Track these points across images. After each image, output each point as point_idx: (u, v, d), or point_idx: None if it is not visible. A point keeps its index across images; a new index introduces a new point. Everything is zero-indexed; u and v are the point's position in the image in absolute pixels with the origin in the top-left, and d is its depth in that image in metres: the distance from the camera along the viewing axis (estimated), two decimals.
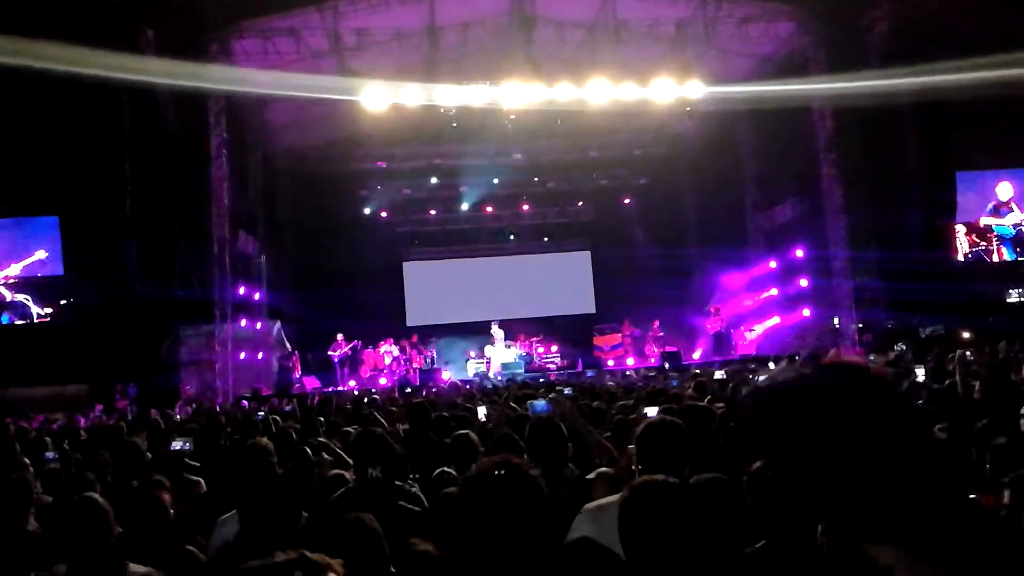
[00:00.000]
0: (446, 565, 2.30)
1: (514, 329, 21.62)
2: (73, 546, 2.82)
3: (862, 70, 15.00)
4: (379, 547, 2.11)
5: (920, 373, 6.01)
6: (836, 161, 17.43)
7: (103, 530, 2.96)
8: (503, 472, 2.31)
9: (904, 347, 14.20)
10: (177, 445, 5.16)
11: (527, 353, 21.06)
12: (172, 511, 3.89)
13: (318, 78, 15.52)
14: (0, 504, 3.43)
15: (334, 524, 2.04)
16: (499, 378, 17.79)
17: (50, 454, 5.34)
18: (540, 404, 4.62)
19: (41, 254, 17.73)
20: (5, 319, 17.73)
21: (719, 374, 8.43)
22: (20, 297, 17.81)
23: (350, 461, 5.23)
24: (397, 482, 3.64)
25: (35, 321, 17.83)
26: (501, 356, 20.32)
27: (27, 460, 4.93)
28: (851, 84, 14.93)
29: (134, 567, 2.90)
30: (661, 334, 20.88)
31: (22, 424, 8.40)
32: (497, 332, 20.65)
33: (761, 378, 6.70)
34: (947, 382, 6.09)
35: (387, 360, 20.49)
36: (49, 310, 17.94)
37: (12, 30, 11.68)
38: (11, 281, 17.79)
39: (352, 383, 18.96)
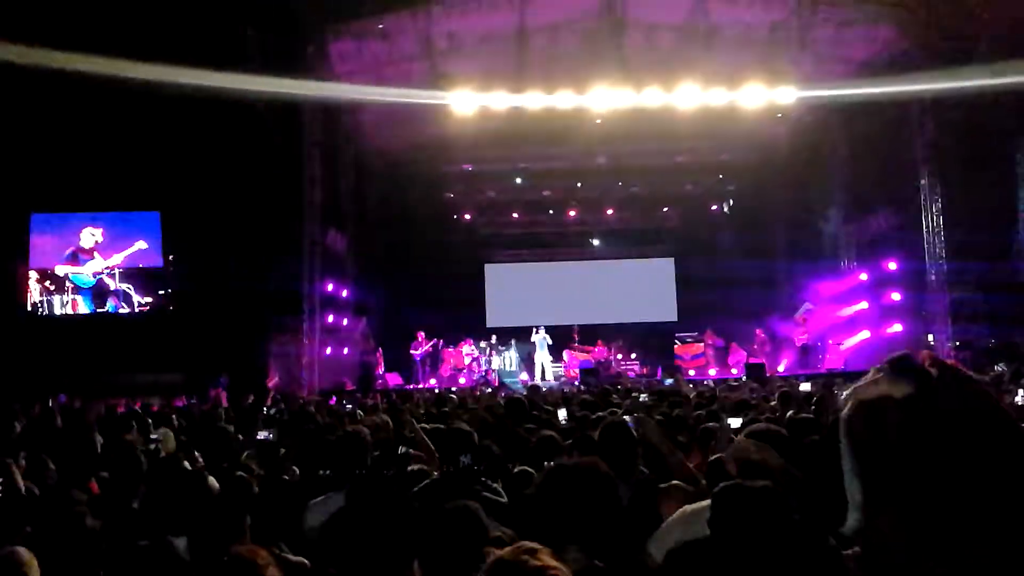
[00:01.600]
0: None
1: (594, 334, 21.56)
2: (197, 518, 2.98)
3: (966, 76, 14.36)
4: (483, 535, 2.17)
5: (1021, 395, 5.72)
6: (935, 170, 16.76)
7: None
8: (583, 470, 2.37)
9: (1004, 368, 13.50)
10: (263, 435, 5.38)
11: (605, 359, 20.95)
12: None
13: (409, 79, 15.84)
14: (115, 479, 3.65)
15: (439, 511, 2.11)
16: (575, 384, 17.80)
17: (154, 434, 5.64)
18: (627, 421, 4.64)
19: (142, 244, 18.66)
20: (111, 307, 18.73)
21: (805, 387, 8.22)
22: (123, 286, 18.79)
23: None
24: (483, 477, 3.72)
25: (136, 310, 18.77)
26: (543, 360, 20.41)
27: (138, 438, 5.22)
28: (953, 84, 14.28)
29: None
30: (756, 346, 20.45)
31: (133, 408, 8.87)
32: (538, 338, 20.61)
33: (846, 393, 6.50)
34: None
35: (467, 360, 20.74)
36: (149, 299, 18.87)
37: (116, 36, 12.41)
38: (116, 271, 18.78)
39: (432, 381, 19.26)
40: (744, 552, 2.18)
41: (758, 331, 20.68)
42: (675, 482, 3.83)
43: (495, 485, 3.84)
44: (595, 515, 2.20)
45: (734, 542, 2.20)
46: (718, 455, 3.92)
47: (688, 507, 3.16)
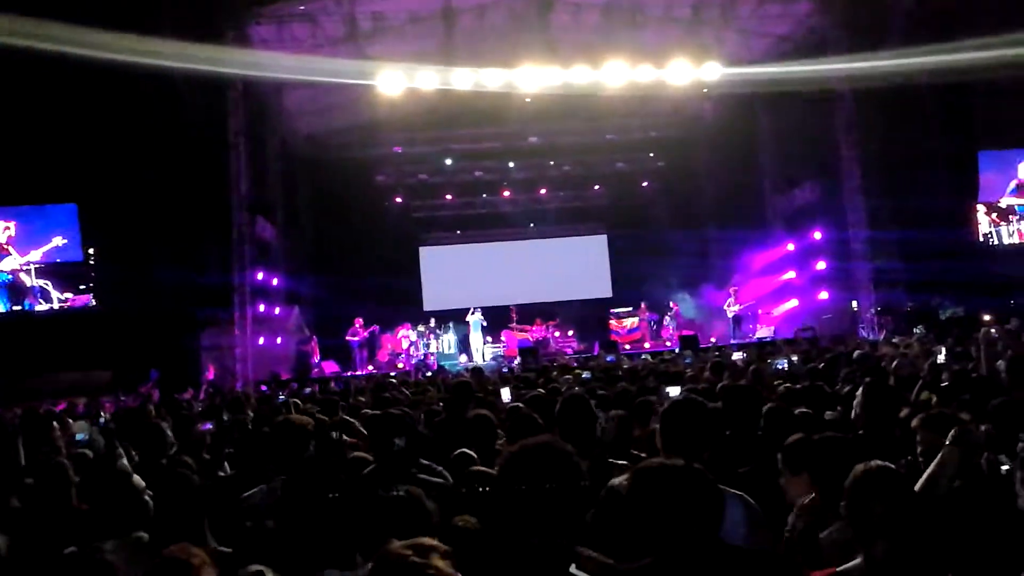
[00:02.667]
0: (488, 540, 2.32)
1: (531, 313, 21.66)
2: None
3: (883, 49, 14.80)
4: (428, 523, 2.13)
5: (942, 354, 5.97)
6: (856, 142, 17.27)
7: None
8: (547, 451, 2.34)
9: (923, 330, 14.09)
10: (200, 428, 5.26)
11: (543, 337, 21.08)
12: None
13: (335, 62, 15.52)
14: (42, 486, 3.50)
15: (382, 499, 2.06)
16: (516, 363, 17.88)
17: (81, 435, 5.43)
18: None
19: (59, 240, 17.89)
20: (27, 305, 17.95)
21: (737, 355, 8.41)
22: (40, 282, 18.02)
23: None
24: (423, 460, 3.69)
25: (56, 307, 18.04)
26: (477, 341, 20.57)
27: (60, 441, 5.02)
28: (871, 64, 14.73)
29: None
30: (680, 318, 20.86)
31: (49, 408, 8.53)
32: (473, 320, 20.64)
33: (781, 362, 6.79)
34: (971, 365, 6.07)
35: (404, 344, 20.62)
36: (69, 295, 18.15)
37: (27, 11, 11.73)
38: (33, 267, 17.99)
39: (370, 368, 19.09)
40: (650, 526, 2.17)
41: (674, 305, 21.13)
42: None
43: (439, 468, 3.81)
44: (563, 495, 2.19)
45: (643, 516, 2.19)
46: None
47: (614, 480, 3.19)
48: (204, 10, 14.86)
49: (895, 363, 5.57)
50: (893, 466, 2.51)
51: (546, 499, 2.13)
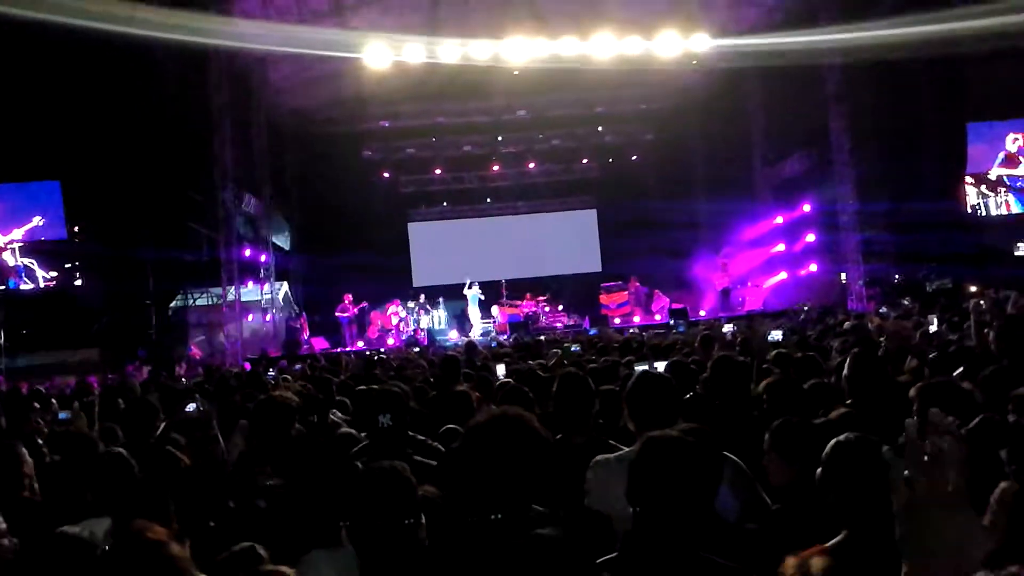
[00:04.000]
0: (448, 509, 2.30)
1: (521, 288, 21.62)
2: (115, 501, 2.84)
3: (873, 20, 14.67)
4: (412, 496, 2.09)
5: (933, 324, 5.96)
6: (845, 113, 17.20)
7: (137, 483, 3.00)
8: (502, 422, 2.32)
9: (911, 301, 14.15)
10: (190, 407, 5.17)
11: (533, 312, 21.06)
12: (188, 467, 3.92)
13: (320, 32, 15.29)
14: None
15: (364, 473, 2.02)
16: (505, 337, 17.88)
17: (63, 414, 5.37)
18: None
19: (38, 220, 17.66)
20: (12, 284, 17.76)
21: (727, 328, 8.40)
22: (25, 261, 17.82)
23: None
24: (411, 433, 3.65)
25: (41, 286, 17.87)
26: (474, 315, 20.51)
27: (41, 421, 4.95)
28: (861, 34, 14.61)
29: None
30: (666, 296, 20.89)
31: (37, 388, 8.44)
32: (470, 294, 20.61)
33: (774, 334, 6.76)
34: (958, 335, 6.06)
35: (394, 321, 20.57)
36: (55, 274, 17.97)
37: None
38: (16, 246, 17.77)
39: (360, 344, 19.05)
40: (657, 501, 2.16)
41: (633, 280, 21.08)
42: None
43: (435, 444, 3.78)
44: (519, 469, 2.16)
45: (650, 490, 2.18)
46: None
47: (599, 457, 3.16)
48: None
49: (886, 334, 5.56)
50: (874, 438, 2.48)
51: (502, 470, 2.10)
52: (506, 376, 6.63)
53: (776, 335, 6.31)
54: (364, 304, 19.93)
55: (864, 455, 2.39)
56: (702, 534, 2.13)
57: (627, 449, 3.10)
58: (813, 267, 19.16)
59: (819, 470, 2.42)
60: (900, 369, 4.88)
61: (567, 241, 23.77)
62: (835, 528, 2.32)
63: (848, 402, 4.02)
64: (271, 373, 8.81)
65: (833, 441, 2.44)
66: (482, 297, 20.83)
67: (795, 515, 2.71)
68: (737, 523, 2.85)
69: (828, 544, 2.28)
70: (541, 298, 21.67)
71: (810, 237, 19.15)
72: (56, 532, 2.28)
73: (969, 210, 18.19)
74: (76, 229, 17.73)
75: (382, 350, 15.59)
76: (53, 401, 6.14)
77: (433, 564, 2.10)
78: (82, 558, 2.23)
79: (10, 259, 17.73)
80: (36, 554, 2.23)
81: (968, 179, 18.15)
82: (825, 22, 16.20)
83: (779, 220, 20.23)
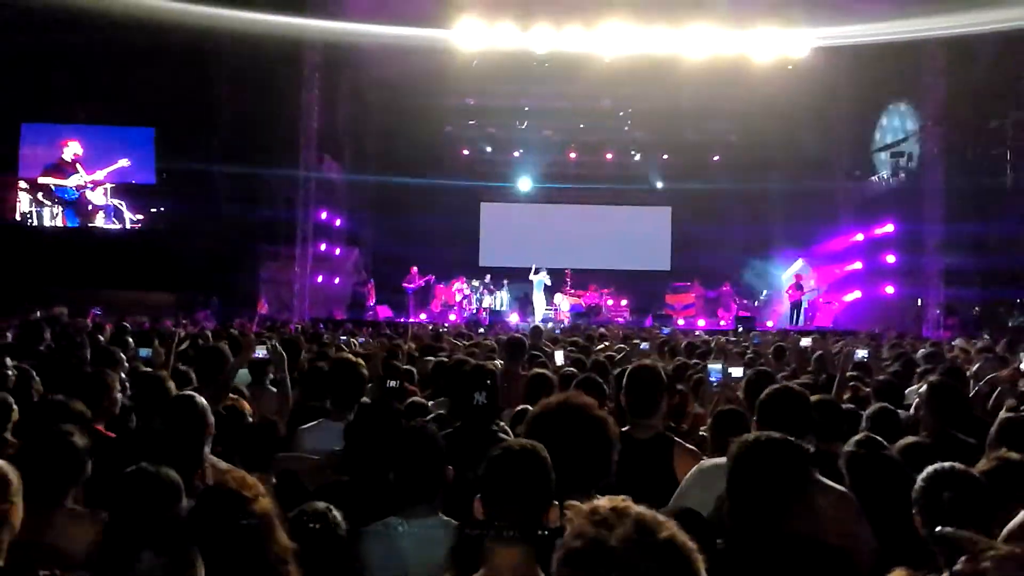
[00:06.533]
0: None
1: (585, 279, 21.48)
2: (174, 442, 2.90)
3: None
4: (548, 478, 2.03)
5: (1022, 359, 5.64)
6: (942, 133, 16.55)
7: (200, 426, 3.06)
8: (567, 408, 2.31)
9: (987, 337, 13.51)
10: (260, 353, 5.24)
11: (596, 304, 20.93)
12: (251, 417, 4.00)
13: (415, 8, 15.36)
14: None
15: (497, 450, 1.99)
16: (565, 323, 17.85)
17: (143, 351, 5.53)
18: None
19: (124, 162, 18.26)
20: (102, 221, 18.45)
21: (805, 341, 8.16)
22: (115, 202, 18.48)
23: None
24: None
25: (127, 227, 18.52)
26: (538, 301, 20.46)
27: (124, 356, 5.10)
28: (972, 25, 13.81)
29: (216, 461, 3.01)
30: (735, 299, 20.51)
31: (124, 324, 8.74)
32: (537, 279, 20.55)
33: (861, 352, 6.52)
34: None
35: (457, 297, 20.69)
36: (141, 216, 18.60)
37: None
38: (109, 185, 18.44)
39: (423, 316, 19.23)
40: (762, 505, 2.12)
41: (726, 284, 20.76)
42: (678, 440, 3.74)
43: (502, 423, 3.78)
44: (582, 457, 2.16)
45: (752, 496, 2.14)
46: (729, 405, 3.85)
47: (705, 463, 3.09)
48: None
49: (976, 366, 5.31)
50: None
51: (564, 457, 2.09)
52: (565, 364, 6.59)
53: (862, 354, 6.08)
54: (430, 277, 20.11)
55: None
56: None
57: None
58: (890, 289, 18.54)
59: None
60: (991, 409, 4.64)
61: (638, 236, 23.48)
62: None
63: (927, 436, 3.85)
64: (343, 337, 8.94)
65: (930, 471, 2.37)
66: (548, 283, 20.77)
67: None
68: None
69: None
70: (605, 290, 21.52)
71: (890, 258, 18.51)
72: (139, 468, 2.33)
73: None
74: (164, 176, 18.29)
75: (445, 325, 15.70)
76: (130, 340, 6.34)
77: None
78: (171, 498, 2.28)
79: (100, 199, 18.41)
80: (123, 488, 2.28)
81: None
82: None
83: (859, 237, 19.63)
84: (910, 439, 3.41)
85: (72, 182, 18.37)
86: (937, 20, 14.57)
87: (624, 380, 3.57)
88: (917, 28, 14.89)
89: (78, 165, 18.36)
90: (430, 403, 4.68)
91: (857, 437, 3.16)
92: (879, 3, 16.14)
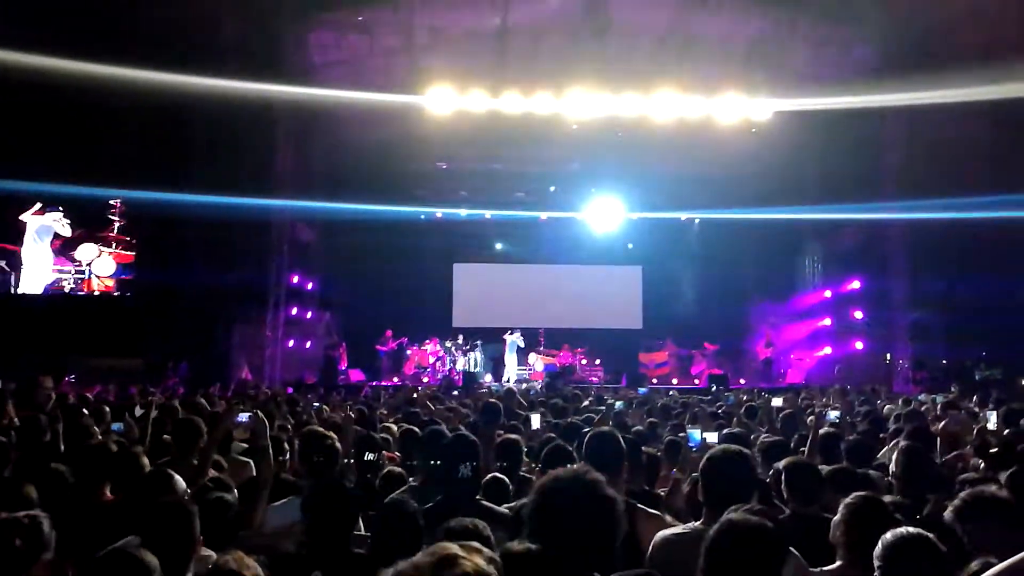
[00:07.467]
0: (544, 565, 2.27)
1: (559, 338, 21.53)
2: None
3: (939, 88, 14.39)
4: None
5: (992, 420, 5.68)
6: (901, 189, 17.00)
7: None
8: (583, 484, 2.29)
9: (956, 389, 13.68)
10: (243, 417, 5.18)
11: (570, 363, 20.95)
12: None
13: (388, 76, 15.65)
14: (79, 472, 3.48)
15: (447, 527, 1.98)
16: (540, 385, 17.78)
17: (116, 425, 5.41)
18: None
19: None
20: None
21: (777, 401, 8.20)
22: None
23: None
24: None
25: (96, 292, 18.26)
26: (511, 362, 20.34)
27: (96, 430, 5.01)
28: (925, 96, 14.33)
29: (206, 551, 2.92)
30: (711, 356, 20.64)
31: (84, 394, 8.57)
32: (511, 340, 20.58)
33: (832, 414, 6.59)
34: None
35: (431, 359, 20.60)
36: (111, 282, 18.37)
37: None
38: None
39: (395, 379, 19.08)
40: None
41: (706, 344, 20.93)
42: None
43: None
44: (596, 527, 2.14)
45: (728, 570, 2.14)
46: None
47: (666, 532, 3.09)
48: (265, 11, 15.05)
49: (943, 423, 5.38)
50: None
51: (580, 530, 2.08)
52: (542, 427, 6.55)
53: (833, 415, 6.13)
54: (404, 339, 20.03)
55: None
56: None
57: (690, 526, 3.04)
58: (859, 344, 18.79)
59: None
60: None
61: (610, 296, 23.62)
62: None
63: (899, 496, 3.90)
64: (316, 404, 8.85)
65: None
66: (521, 344, 20.77)
67: None
68: None
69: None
70: (578, 350, 21.56)
71: (858, 314, 18.80)
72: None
73: None
74: (132, 241, 18.14)
75: (419, 388, 15.58)
76: (107, 410, 6.22)
77: None
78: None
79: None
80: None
81: None
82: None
83: (827, 294, 19.95)
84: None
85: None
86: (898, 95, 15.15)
87: (583, 448, 3.57)
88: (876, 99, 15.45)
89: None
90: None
91: None
92: (840, 71, 16.82)
